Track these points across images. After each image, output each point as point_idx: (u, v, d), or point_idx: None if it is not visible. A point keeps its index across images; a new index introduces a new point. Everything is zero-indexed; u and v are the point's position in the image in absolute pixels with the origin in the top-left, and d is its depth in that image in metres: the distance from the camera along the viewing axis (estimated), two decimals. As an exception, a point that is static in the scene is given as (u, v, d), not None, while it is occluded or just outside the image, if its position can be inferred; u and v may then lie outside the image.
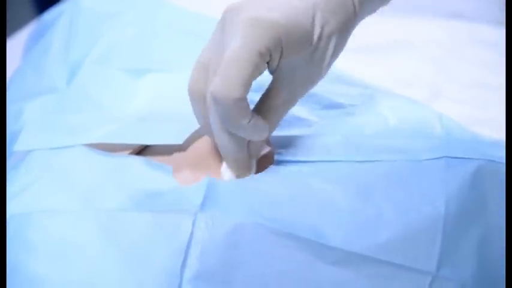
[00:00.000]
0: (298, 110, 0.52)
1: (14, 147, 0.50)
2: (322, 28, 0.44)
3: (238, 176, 0.46)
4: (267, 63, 0.43)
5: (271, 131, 0.46)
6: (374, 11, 0.49)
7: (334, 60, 0.47)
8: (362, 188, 0.45)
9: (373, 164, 0.46)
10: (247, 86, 0.41)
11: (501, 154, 0.48)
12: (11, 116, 0.63)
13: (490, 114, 0.74)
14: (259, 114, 0.45)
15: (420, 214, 0.44)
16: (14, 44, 0.85)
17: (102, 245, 0.41)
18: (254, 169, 0.47)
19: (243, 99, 0.41)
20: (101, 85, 0.59)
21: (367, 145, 0.48)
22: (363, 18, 0.48)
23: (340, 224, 0.43)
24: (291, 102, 0.46)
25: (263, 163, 0.47)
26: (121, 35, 0.65)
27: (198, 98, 0.45)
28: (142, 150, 0.50)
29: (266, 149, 0.48)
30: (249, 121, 0.42)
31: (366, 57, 0.82)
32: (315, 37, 0.43)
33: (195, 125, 0.48)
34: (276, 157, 0.47)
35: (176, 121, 0.50)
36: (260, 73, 0.42)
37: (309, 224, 0.43)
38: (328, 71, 0.53)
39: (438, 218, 0.44)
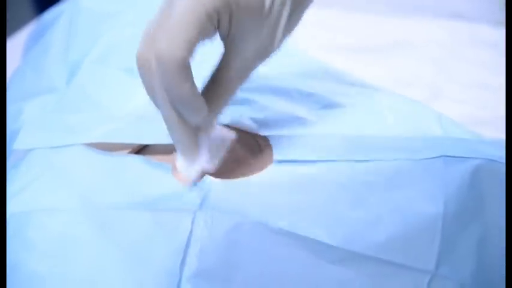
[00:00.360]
0: (297, 109, 0.52)
1: (14, 146, 0.50)
2: None
3: (184, 161, 0.43)
4: (218, 28, 0.40)
5: (219, 109, 0.43)
6: None
7: (289, 31, 0.44)
8: (361, 187, 0.45)
9: (372, 164, 0.46)
10: (191, 47, 0.38)
11: (500, 153, 0.49)
12: (11, 116, 0.63)
13: (489, 114, 0.74)
14: (208, 90, 0.43)
15: (419, 213, 0.44)
16: (14, 44, 0.86)
17: (102, 244, 0.41)
18: (204, 157, 0.44)
19: (186, 60, 0.38)
20: (100, 85, 0.59)
21: (366, 144, 0.48)
22: None
23: (340, 223, 0.43)
24: (243, 75, 0.43)
25: (262, 163, 0.47)
26: (120, 35, 0.65)
27: (147, 66, 0.41)
28: (141, 149, 0.50)
29: (228, 138, 0.45)
30: (190, 87, 0.39)
31: (366, 57, 0.82)
32: (267, 3, 0.41)
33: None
34: (275, 157, 0.47)
35: None
36: (208, 36, 0.40)
37: (309, 223, 0.43)
38: (327, 70, 0.53)
39: (437, 217, 0.44)
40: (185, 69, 0.38)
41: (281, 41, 0.44)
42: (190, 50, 0.38)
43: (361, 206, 0.44)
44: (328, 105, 0.54)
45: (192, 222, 0.41)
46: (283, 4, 0.42)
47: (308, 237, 0.42)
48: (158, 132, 0.49)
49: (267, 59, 0.44)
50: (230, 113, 0.49)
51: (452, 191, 0.46)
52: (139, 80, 0.58)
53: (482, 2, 0.93)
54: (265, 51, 0.43)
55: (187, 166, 0.44)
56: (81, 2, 0.70)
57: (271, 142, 0.48)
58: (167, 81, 0.38)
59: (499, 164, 0.48)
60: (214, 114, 0.43)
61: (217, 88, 0.43)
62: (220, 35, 0.42)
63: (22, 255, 0.41)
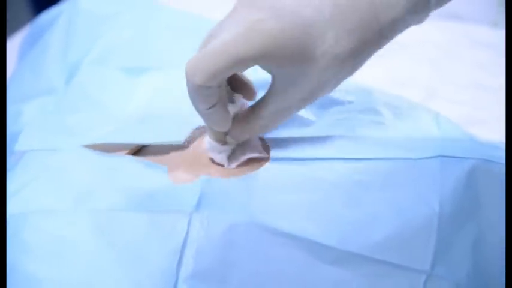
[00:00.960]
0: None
1: (15, 148, 0.50)
2: (328, 47, 0.41)
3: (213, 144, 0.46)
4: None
5: (244, 137, 0.46)
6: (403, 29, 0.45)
7: (338, 83, 0.44)
8: (357, 187, 0.45)
9: (368, 163, 0.46)
10: (215, 78, 0.40)
11: (496, 154, 0.49)
12: (10, 117, 0.63)
13: (486, 114, 0.74)
14: (245, 115, 0.45)
15: (415, 213, 0.44)
16: (11, 46, 0.85)
17: (98, 245, 0.41)
18: (227, 151, 0.47)
19: (205, 88, 0.41)
20: (99, 85, 0.59)
21: (363, 144, 0.48)
22: (389, 41, 0.44)
23: (336, 223, 0.43)
24: (277, 116, 0.45)
25: (259, 162, 0.47)
26: (119, 36, 0.65)
27: None
28: (139, 151, 0.50)
29: (255, 153, 0.47)
30: (208, 108, 0.42)
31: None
32: (317, 54, 0.41)
33: (194, 124, 0.49)
34: (272, 155, 0.47)
35: (175, 120, 0.50)
36: (240, 71, 0.43)
37: (305, 222, 0.43)
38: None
39: (433, 217, 0.44)
40: (203, 93, 0.41)
41: (331, 89, 0.44)
42: (211, 80, 0.40)
43: (357, 205, 0.44)
44: (325, 104, 0.54)
45: (188, 223, 0.41)
46: (336, 58, 0.42)
47: (304, 237, 0.42)
48: (158, 133, 0.49)
49: (310, 103, 0.45)
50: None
51: (448, 191, 0.46)
52: (138, 81, 0.59)
53: (479, 2, 0.93)
54: (308, 97, 0.44)
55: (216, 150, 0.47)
56: (80, 3, 0.70)
57: (269, 141, 0.48)
58: (189, 95, 0.42)
59: (495, 164, 0.48)
60: (240, 137, 0.46)
61: (250, 118, 0.45)
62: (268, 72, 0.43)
63: (18, 256, 0.41)
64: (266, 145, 0.48)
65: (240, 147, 0.47)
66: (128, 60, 0.62)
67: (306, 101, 0.44)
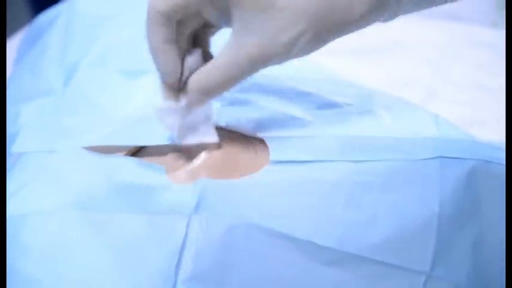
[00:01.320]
0: (293, 109, 0.52)
1: (12, 149, 0.50)
2: (293, 0, 0.40)
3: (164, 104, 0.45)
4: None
5: (199, 91, 0.44)
6: (377, 20, 0.44)
7: (299, 49, 0.42)
8: (357, 188, 0.45)
9: (368, 164, 0.46)
10: (174, 7, 0.41)
11: (496, 155, 0.49)
12: (8, 119, 0.63)
13: (485, 115, 0.74)
14: (204, 69, 0.44)
15: (415, 214, 0.44)
16: (9, 47, 0.85)
17: (97, 247, 0.41)
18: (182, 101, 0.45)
19: (166, 17, 0.41)
20: (97, 87, 0.59)
21: (362, 145, 0.48)
22: (359, 26, 0.43)
23: (335, 224, 0.43)
24: (233, 68, 0.43)
25: (258, 164, 0.47)
26: (117, 37, 0.65)
27: None
28: (136, 152, 0.50)
29: (207, 137, 0.46)
30: (161, 42, 0.42)
31: (362, 58, 0.82)
32: (278, 4, 0.40)
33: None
34: (271, 157, 0.47)
35: None
36: (200, 10, 0.42)
37: (304, 224, 0.43)
38: (324, 71, 0.52)
39: (432, 218, 0.44)
40: (161, 23, 0.41)
41: (285, 50, 0.42)
42: (173, 7, 0.40)
43: (356, 207, 0.44)
44: (324, 105, 0.54)
45: (187, 225, 0.41)
46: (296, 18, 0.41)
47: (303, 239, 0.42)
48: (155, 134, 0.49)
49: (266, 65, 0.43)
50: (226, 114, 0.50)
51: (448, 192, 0.46)
52: (136, 83, 0.58)
53: (479, 3, 0.93)
54: (266, 53, 0.42)
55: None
56: (78, 5, 0.70)
57: (267, 143, 0.48)
58: (146, 28, 0.42)
59: (495, 165, 0.48)
60: (197, 93, 0.44)
61: (210, 70, 0.44)
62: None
63: (17, 258, 0.41)
64: (265, 146, 0.48)
65: (191, 128, 0.47)
66: (126, 61, 0.62)
67: (264, 57, 0.42)
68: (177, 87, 0.45)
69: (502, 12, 0.91)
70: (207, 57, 0.46)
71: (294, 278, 0.42)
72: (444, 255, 0.44)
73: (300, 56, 0.43)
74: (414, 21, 0.90)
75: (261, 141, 0.49)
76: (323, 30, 0.42)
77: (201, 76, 0.44)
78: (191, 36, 0.46)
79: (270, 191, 0.44)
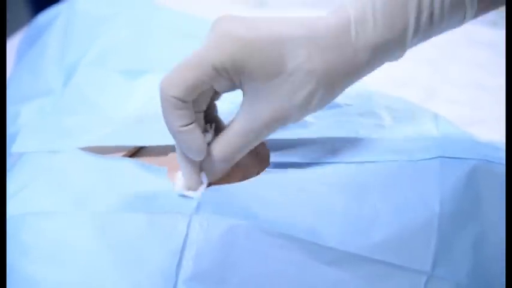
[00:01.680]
0: None
1: (12, 149, 0.50)
2: (300, 63, 0.41)
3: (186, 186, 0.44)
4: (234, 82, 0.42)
5: (225, 161, 0.44)
6: (386, 61, 0.45)
7: (314, 106, 0.43)
8: (357, 189, 0.45)
9: (368, 165, 0.46)
10: (188, 90, 0.40)
11: (496, 154, 0.49)
12: (8, 119, 0.63)
13: (485, 114, 0.74)
14: (219, 138, 0.44)
15: (415, 214, 0.44)
16: (9, 47, 0.85)
17: (97, 246, 0.41)
18: (202, 186, 0.44)
19: (180, 100, 0.40)
20: (97, 87, 0.59)
21: (363, 146, 0.48)
22: (372, 70, 0.44)
23: (336, 224, 0.43)
24: (249, 137, 0.43)
25: (259, 166, 0.47)
26: (116, 37, 0.65)
27: None
28: (136, 152, 0.50)
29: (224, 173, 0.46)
30: (181, 126, 0.41)
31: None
32: (288, 68, 0.41)
33: None
34: (272, 159, 0.47)
35: None
36: (212, 85, 0.41)
37: (305, 224, 0.43)
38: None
39: (433, 218, 0.44)
40: (177, 106, 0.41)
41: (303, 113, 0.43)
42: (185, 91, 0.40)
43: (357, 206, 0.44)
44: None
45: (188, 226, 0.41)
46: (306, 77, 0.41)
47: (303, 238, 0.42)
48: (155, 134, 0.49)
49: (284, 126, 0.44)
50: (227, 116, 0.50)
51: (449, 192, 0.46)
52: (135, 83, 0.58)
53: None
54: (280, 116, 0.43)
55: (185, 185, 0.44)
56: (77, 5, 0.70)
57: (269, 145, 0.48)
58: (163, 113, 0.42)
59: (495, 164, 0.48)
60: (217, 165, 0.44)
61: (224, 141, 0.44)
62: (240, 88, 0.43)
63: (17, 258, 0.41)
64: (266, 148, 0.48)
65: None
66: (125, 61, 0.62)
67: (278, 120, 0.43)
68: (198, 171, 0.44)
69: (501, 12, 0.91)
70: (218, 123, 0.46)
71: (294, 278, 0.42)
72: (445, 255, 0.44)
73: (314, 112, 0.44)
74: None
75: (262, 144, 0.49)
76: (334, 84, 0.43)
77: (222, 146, 0.44)
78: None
79: (271, 192, 0.44)
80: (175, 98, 0.40)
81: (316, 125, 0.51)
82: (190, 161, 0.44)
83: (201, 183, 0.44)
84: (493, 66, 0.82)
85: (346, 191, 0.45)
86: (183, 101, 0.41)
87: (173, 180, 0.45)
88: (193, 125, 0.42)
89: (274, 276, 0.41)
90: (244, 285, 0.41)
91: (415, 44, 0.44)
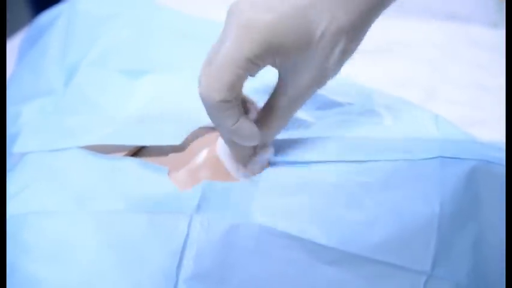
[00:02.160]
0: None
1: (13, 149, 0.50)
2: (327, 24, 0.41)
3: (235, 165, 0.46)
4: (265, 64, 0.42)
5: (273, 134, 0.46)
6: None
7: (346, 59, 0.44)
8: (357, 188, 0.45)
9: (368, 164, 0.46)
10: (231, 89, 0.40)
11: (496, 155, 0.49)
12: (9, 119, 0.63)
13: (485, 115, 0.74)
14: (263, 115, 0.45)
15: (415, 214, 0.44)
16: (9, 47, 0.85)
17: (98, 246, 0.41)
18: (255, 167, 0.46)
19: (226, 101, 0.40)
20: (98, 87, 0.59)
21: (363, 145, 0.48)
22: (383, 9, 0.44)
23: (336, 224, 0.43)
24: (296, 103, 0.45)
25: (259, 165, 0.47)
26: (118, 37, 0.65)
27: None
28: (138, 152, 0.50)
29: (266, 153, 0.47)
30: (233, 124, 0.42)
31: (362, 58, 0.81)
32: (317, 34, 0.41)
33: (193, 125, 0.49)
34: (272, 159, 0.47)
35: (173, 122, 0.50)
36: (252, 75, 0.42)
37: (305, 224, 0.43)
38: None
39: (433, 218, 0.44)
40: (225, 108, 0.41)
41: (337, 69, 0.44)
42: (229, 92, 0.40)
43: (357, 206, 0.44)
44: (325, 105, 0.54)
45: (189, 225, 0.41)
46: (335, 35, 0.42)
47: (304, 238, 0.42)
48: (157, 134, 0.49)
49: (323, 86, 0.45)
50: None
51: (448, 192, 0.46)
52: (137, 83, 0.58)
53: (478, 3, 0.93)
54: (318, 81, 0.44)
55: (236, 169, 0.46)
56: (78, 5, 0.70)
57: (269, 144, 0.48)
58: (210, 117, 0.42)
59: (495, 165, 0.48)
60: (269, 137, 0.46)
61: (271, 115, 0.45)
62: (274, 67, 0.43)
63: (19, 258, 0.41)
64: (266, 147, 0.48)
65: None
66: (126, 61, 0.62)
67: (319, 82, 0.44)
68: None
69: (501, 12, 0.91)
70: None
71: (295, 277, 0.42)
72: (445, 255, 0.44)
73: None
74: (414, 21, 0.90)
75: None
76: (361, 30, 0.43)
77: (271, 123, 0.45)
78: None
79: (271, 192, 0.44)
80: (221, 101, 0.40)
81: (317, 124, 0.51)
82: (242, 147, 0.44)
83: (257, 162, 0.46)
84: (494, 67, 0.82)
85: (347, 191, 0.45)
86: (229, 101, 0.40)
87: (174, 181, 0.45)
88: (242, 117, 0.42)
89: (274, 276, 0.42)
90: (245, 285, 0.41)
91: None
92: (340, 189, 0.45)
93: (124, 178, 0.45)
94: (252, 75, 0.42)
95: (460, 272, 0.45)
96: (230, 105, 0.41)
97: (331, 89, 0.57)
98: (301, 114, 0.51)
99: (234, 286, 0.41)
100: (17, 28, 0.95)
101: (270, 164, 0.47)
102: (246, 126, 0.42)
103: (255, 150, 0.46)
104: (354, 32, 0.43)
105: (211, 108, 0.41)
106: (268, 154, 0.47)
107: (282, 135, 0.48)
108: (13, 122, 0.63)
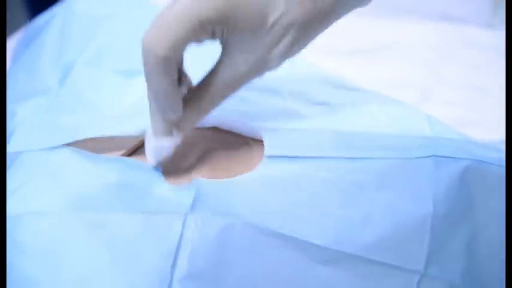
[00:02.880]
0: (289, 105, 0.52)
1: (7, 149, 0.50)
2: (281, 14, 0.41)
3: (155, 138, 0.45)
4: (213, 35, 0.42)
5: (194, 118, 0.45)
6: (353, 8, 0.45)
7: (290, 55, 0.44)
8: (351, 186, 0.45)
9: (362, 162, 0.46)
10: (176, 47, 0.39)
11: (490, 155, 0.49)
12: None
13: (480, 116, 0.74)
14: (192, 94, 0.44)
15: (409, 213, 0.44)
16: (8, 48, 0.86)
17: (93, 246, 0.41)
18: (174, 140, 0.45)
19: (166, 59, 0.39)
20: (93, 86, 0.59)
21: (357, 142, 0.48)
22: (339, 16, 0.44)
23: (330, 223, 0.43)
24: (231, 86, 0.44)
25: (254, 159, 0.47)
26: (113, 37, 0.65)
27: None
28: (133, 152, 0.50)
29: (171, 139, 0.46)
30: (162, 86, 0.41)
31: (356, 59, 0.82)
32: (269, 21, 0.42)
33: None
34: (265, 152, 0.47)
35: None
36: (198, 40, 0.41)
37: (299, 223, 0.43)
38: (318, 72, 0.52)
39: (426, 217, 0.44)
40: (165, 67, 0.39)
41: (280, 62, 0.44)
42: (174, 49, 0.39)
43: (351, 205, 0.44)
44: (319, 103, 0.54)
45: (183, 225, 0.41)
46: (287, 27, 0.42)
47: (298, 238, 0.42)
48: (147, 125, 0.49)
49: (260, 76, 0.45)
50: (221, 110, 0.49)
51: (442, 191, 0.46)
52: (131, 82, 0.59)
53: (473, 4, 0.93)
54: (258, 68, 0.44)
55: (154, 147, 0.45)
56: (74, 5, 0.70)
57: (262, 137, 0.48)
58: (146, 72, 0.40)
59: (488, 165, 0.48)
60: (188, 120, 0.45)
61: (202, 93, 0.44)
62: (219, 41, 0.43)
63: (13, 258, 0.41)
64: (259, 142, 0.48)
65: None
66: (121, 61, 0.62)
67: (257, 70, 0.44)
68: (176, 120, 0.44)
69: (497, 13, 0.92)
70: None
71: (289, 277, 0.42)
72: (438, 255, 0.44)
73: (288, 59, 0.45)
74: (409, 22, 0.91)
75: (255, 139, 0.49)
76: (310, 32, 0.43)
77: (200, 100, 0.44)
78: None
79: (265, 189, 0.44)
80: (162, 57, 0.39)
81: (311, 120, 0.50)
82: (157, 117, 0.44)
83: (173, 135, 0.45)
84: (489, 68, 0.83)
85: (340, 189, 0.45)
86: (169, 61, 0.39)
87: (168, 179, 0.45)
88: (173, 84, 0.41)
89: (269, 276, 0.42)
90: (239, 285, 0.41)
91: None
92: (334, 187, 0.45)
93: (119, 177, 0.45)
94: (197, 41, 0.41)
95: (454, 272, 0.45)
96: (168, 65, 0.40)
97: (324, 91, 0.57)
98: (295, 107, 0.51)
99: (229, 286, 0.41)
100: (12, 30, 0.95)
101: (265, 158, 0.46)
102: (173, 94, 0.41)
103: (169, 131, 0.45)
104: (304, 30, 0.43)
105: (149, 62, 0.40)
106: (173, 142, 0.45)
107: (274, 126, 0.48)
108: (8, 121, 0.63)
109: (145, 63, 0.40)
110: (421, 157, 0.47)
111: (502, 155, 0.49)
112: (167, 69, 0.40)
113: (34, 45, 0.71)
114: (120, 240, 0.41)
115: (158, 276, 0.40)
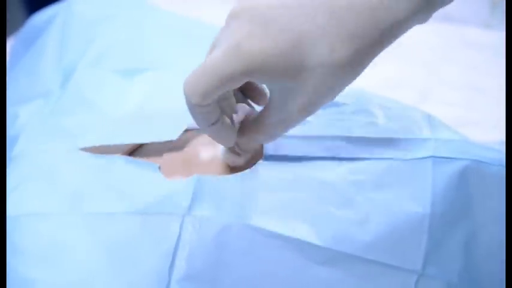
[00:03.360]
0: None
1: (12, 153, 0.50)
2: (324, 56, 0.38)
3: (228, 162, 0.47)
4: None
5: (251, 145, 0.45)
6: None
7: (341, 88, 0.41)
8: (349, 186, 0.45)
9: (361, 163, 0.46)
10: (208, 97, 0.39)
11: (488, 155, 0.49)
12: (7, 120, 0.63)
13: (479, 116, 0.74)
14: (247, 123, 0.44)
15: (407, 213, 0.45)
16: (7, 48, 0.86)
17: (91, 247, 0.41)
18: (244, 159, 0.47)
19: (202, 106, 0.40)
20: (95, 87, 0.59)
21: (355, 143, 0.48)
22: (392, 41, 0.40)
23: (328, 223, 0.43)
24: (281, 126, 0.43)
25: (253, 158, 0.47)
26: (114, 38, 0.65)
27: None
28: (133, 152, 0.50)
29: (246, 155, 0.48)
30: (209, 125, 0.42)
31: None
32: (311, 65, 0.38)
33: (187, 122, 0.49)
34: (265, 152, 0.47)
35: (169, 119, 0.50)
36: (233, 87, 0.40)
37: (297, 223, 0.43)
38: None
39: (424, 217, 0.45)
40: (199, 111, 0.40)
41: (330, 98, 0.41)
42: (206, 98, 0.39)
43: (349, 205, 0.44)
44: None
45: (181, 226, 0.41)
46: (330, 67, 0.38)
47: (296, 238, 0.42)
48: (153, 131, 0.49)
49: (312, 113, 0.42)
50: None
51: (440, 192, 0.46)
52: (133, 82, 0.59)
53: (472, 4, 0.93)
54: (307, 108, 0.41)
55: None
56: (74, 6, 0.70)
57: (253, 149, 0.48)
58: (190, 112, 0.41)
59: (486, 165, 0.48)
60: (246, 146, 0.46)
61: (254, 126, 0.44)
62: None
63: (11, 259, 0.41)
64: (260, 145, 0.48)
65: None
66: (122, 62, 0.62)
67: (306, 111, 0.41)
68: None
69: (495, 14, 0.92)
70: (259, 96, 0.46)
71: (287, 277, 0.42)
72: (436, 254, 0.44)
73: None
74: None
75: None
76: (361, 65, 0.40)
77: (252, 138, 0.44)
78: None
79: (264, 188, 0.44)
80: (194, 104, 0.40)
81: (311, 121, 0.51)
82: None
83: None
84: (487, 68, 0.83)
85: (339, 189, 0.45)
86: (205, 106, 0.40)
87: (168, 178, 0.45)
88: (219, 122, 0.42)
89: (267, 276, 0.42)
90: (237, 286, 0.41)
91: (444, 5, 0.41)
92: (332, 187, 0.45)
93: (118, 178, 0.45)
94: (234, 87, 0.40)
95: (451, 271, 0.45)
96: (208, 109, 0.41)
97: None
98: None
99: (227, 287, 0.41)
100: (12, 30, 0.95)
101: (264, 158, 0.46)
102: (222, 129, 0.43)
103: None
104: (350, 67, 0.39)
105: (189, 107, 0.41)
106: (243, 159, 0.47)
107: None
108: (11, 123, 0.63)
109: (188, 107, 0.41)
110: (420, 158, 0.47)
111: (501, 155, 0.49)
112: (204, 113, 0.41)
113: (35, 47, 0.71)
114: (118, 242, 0.41)
115: (156, 277, 0.40)
